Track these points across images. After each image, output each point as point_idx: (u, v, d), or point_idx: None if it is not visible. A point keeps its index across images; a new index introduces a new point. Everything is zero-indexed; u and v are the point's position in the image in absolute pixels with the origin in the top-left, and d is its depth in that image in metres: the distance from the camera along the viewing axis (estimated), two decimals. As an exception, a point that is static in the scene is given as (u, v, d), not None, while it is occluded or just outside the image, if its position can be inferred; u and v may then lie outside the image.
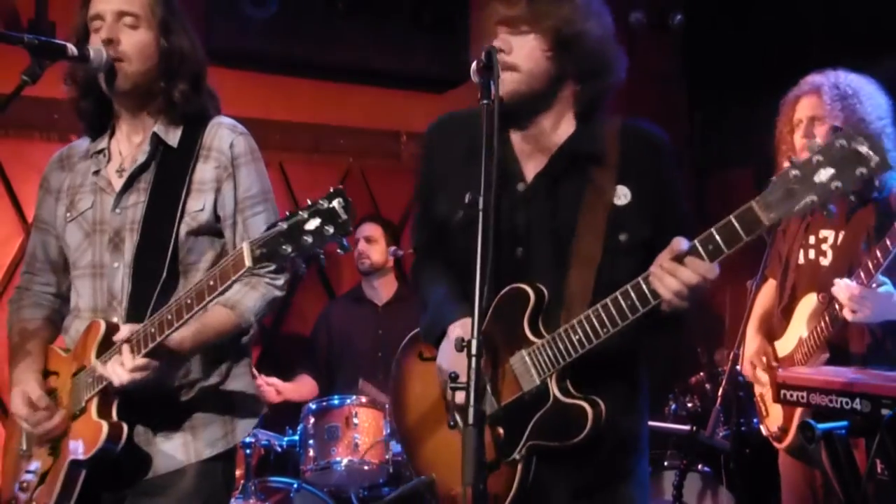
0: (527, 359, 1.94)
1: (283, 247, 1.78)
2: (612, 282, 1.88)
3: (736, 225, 1.67)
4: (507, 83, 1.93)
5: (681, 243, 1.75)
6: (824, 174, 1.55)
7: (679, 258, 1.74)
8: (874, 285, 2.47)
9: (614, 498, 2.05)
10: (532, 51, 1.95)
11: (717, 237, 1.70)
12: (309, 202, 1.80)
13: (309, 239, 1.77)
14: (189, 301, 1.93)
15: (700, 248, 1.73)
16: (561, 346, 1.89)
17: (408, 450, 2.26)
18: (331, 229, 1.77)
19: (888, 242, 2.43)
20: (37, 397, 2.15)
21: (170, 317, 1.95)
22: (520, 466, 1.93)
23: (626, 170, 1.98)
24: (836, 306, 2.55)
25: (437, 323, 2.06)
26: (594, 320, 1.85)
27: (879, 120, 2.64)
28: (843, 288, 2.50)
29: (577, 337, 1.87)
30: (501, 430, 1.95)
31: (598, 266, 1.95)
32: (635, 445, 2.12)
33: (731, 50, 5.26)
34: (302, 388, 4.32)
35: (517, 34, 1.97)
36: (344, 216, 1.77)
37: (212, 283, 1.90)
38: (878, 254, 2.46)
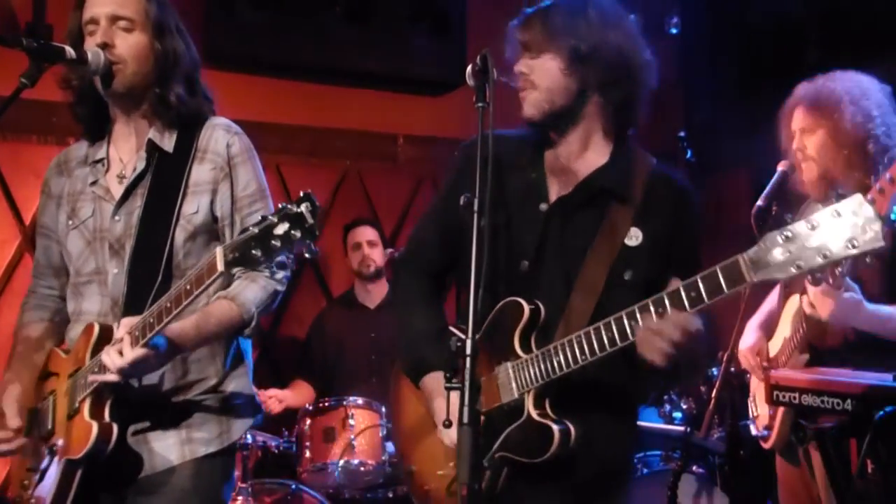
0: (510, 371, 1.96)
1: (254, 251, 1.81)
2: (609, 314, 1.90)
3: (720, 277, 1.66)
4: (530, 103, 2.04)
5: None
6: (815, 242, 1.51)
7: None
8: (842, 289, 2.46)
9: None
10: (549, 69, 2.02)
11: (701, 286, 1.70)
12: (279, 206, 1.82)
13: (277, 243, 1.79)
14: (168, 305, 1.96)
15: (683, 294, 1.73)
16: (542, 366, 1.91)
17: (397, 441, 2.32)
18: (298, 234, 1.79)
19: None
20: (9, 418, 2.20)
21: (151, 320, 1.99)
22: (487, 474, 1.94)
23: (645, 213, 2.02)
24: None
25: (419, 367, 2.11)
26: (575, 346, 1.87)
27: (864, 124, 2.61)
28: (811, 288, 2.51)
29: (557, 359, 1.89)
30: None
31: (599, 297, 1.98)
32: (619, 474, 2.14)
33: (728, 53, 5.27)
34: (300, 393, 4.34)
35: (536, 57, 2.03)
36: (311, 221, 1.79)
37: (188, 287, 1.94)
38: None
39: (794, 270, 1.54)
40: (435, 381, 2.02)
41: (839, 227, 1.49)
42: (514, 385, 1.95)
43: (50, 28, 3.98)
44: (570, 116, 2.05)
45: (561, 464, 1.92)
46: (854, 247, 1.47)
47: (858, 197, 1.49)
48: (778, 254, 1.55)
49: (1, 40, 2.08)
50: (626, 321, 1.81)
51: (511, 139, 2.12)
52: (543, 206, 2.07)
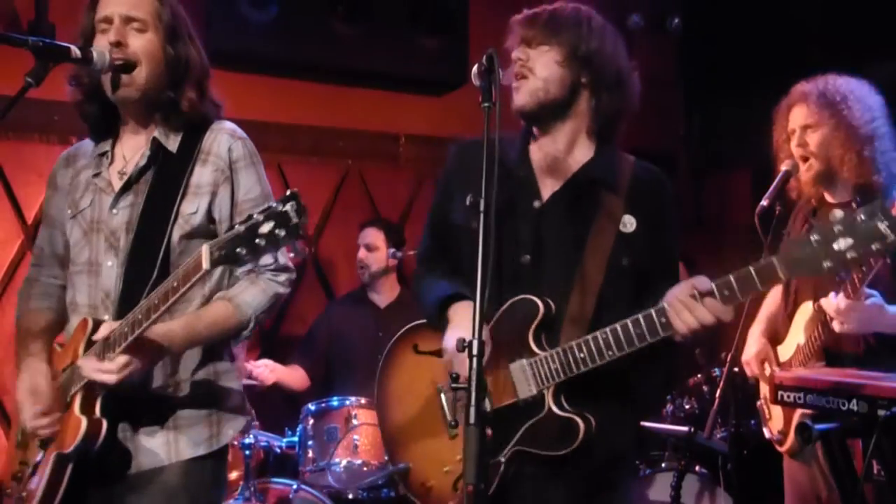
0: (527, 368, 1.99)
1: (239, 249, 1.81)
2: (611, 301, 2.01)
3: (754, 276, 1.78)
4: (525, 90, 2.07)
5: (702, 282, 1.83)
6: (843, 243, 1.66)
7: (700, 296, 1.82)
8: (863, 298, 2.48)
9: None
10: (546, 59, 2.07)
11: (735, 284, 1.80)
12: (265, 205, 1.83)
13: (262, 242, 1.79)
14: (156, 301, 1.97)
15: (716, 292, 1.81)
16: (564, 362, 1.94)
17: (386, 437, 2.32)
18: (282, 233, 1.78)
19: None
20: (42, 392, 2.17)
21: (139, 316, 1.99)
22: (502, 469, 1.98)
23: (634, 202, 2.09)
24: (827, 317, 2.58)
25: (447, 300, 2.10)
26: (601, 342, 1.91)
27: (869, 123, 2.64)
28: (830, 303, 2.52)
29: (581, 355, 1.93)
30: (490, 432, 1.98)
31: (600, 286, 2.03)
32: (625, 461, 2.20)
33: (729, 52, 5.27)
34: (294, 374, 4.29)
35: (535, 48, 2.08)
36: (295, 219, 1.78)
37: (175, 284, 1.94)
38: (863, 267, 2.48)
39: (824, 267, 1.67)
40: (463, 308, 2.04)
41: (864, 227, 1.64)
42: (532, 382, 1.97)
43: (52, 27, 3.97)
44: (561, 110, 2.11)
45: (575, 454, 1.95)
46: (880, 248, 1.61)
47: (879, 201, 1.63)
48: (809, 253, 1.68)
49: (7, 39, 2.07)
50: (655, 317, 1.86)
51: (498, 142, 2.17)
52: (537, 204, 2.11)
